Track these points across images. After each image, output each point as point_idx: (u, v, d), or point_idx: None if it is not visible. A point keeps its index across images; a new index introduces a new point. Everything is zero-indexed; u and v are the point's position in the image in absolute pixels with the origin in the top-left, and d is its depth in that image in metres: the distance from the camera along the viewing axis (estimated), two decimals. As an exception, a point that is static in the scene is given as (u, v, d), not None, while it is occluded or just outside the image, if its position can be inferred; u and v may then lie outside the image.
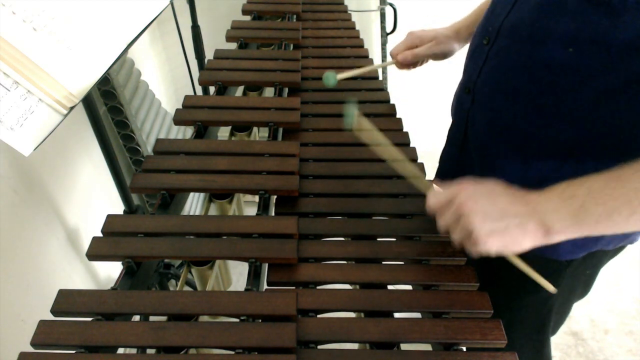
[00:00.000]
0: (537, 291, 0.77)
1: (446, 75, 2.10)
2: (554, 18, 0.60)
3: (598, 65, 0.57)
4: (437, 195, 0.61)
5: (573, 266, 0.74)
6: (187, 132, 1.86)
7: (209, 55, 1.16)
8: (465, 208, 0.56)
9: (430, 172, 0.79)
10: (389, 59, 1.00)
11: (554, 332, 0.88)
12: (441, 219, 0.60)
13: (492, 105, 0.72)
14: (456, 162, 0.85)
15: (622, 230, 0.53)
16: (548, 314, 0.83)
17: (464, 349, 0.57)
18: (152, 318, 0.62)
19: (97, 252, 0.64)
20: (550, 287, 0.60)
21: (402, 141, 0.89)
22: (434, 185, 0.67)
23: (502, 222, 0.55)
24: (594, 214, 0.52)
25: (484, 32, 0.72)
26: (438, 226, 0.61)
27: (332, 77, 0.91)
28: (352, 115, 0.82)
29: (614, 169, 0.53)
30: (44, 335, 0.54)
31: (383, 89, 1.04)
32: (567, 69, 0.60)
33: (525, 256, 0.71)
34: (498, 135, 0.72)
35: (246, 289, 0.62)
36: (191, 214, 1.76)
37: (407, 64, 0.96)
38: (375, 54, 2.14)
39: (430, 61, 0.99)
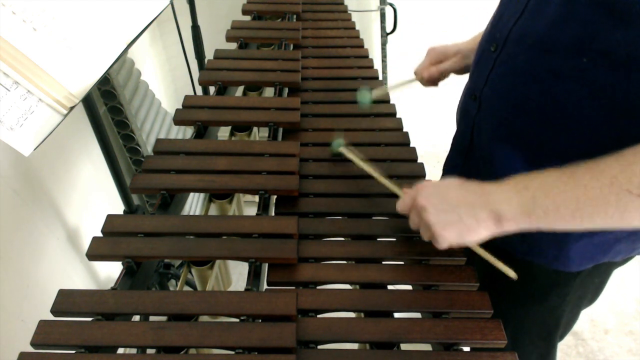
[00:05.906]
0: (545, 300, 0.78)
1: (446, 75, 2.11)
2: (562, 25, 0.56)
3: (610, 78, 0.54)
4: (403, 199, 0.65)
5: (582, 276, 0.74)
6: (187, 132, 1.86)
7: (209, 55, 1.16)
8: (421, 206, 0.60)
9: (430, 173, 0.78)
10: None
11: (561, 338, 0.87)
12: (410, 220, 0.64)
13: (499, 114, 0.69)
14: (460, 171, 0.83)
15: (573, 227, 0.53)
16: (556, 323, 0.82)
17: (464, 349, 0.57)
18: (152, 318, 0.62)
19: (97, 252, 0.64)
20: (511, 274, 0.61)
21: (402, 141, 0.89)
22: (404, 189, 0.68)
23: (454, 213, 0.57)
24: (542, 205, 0.53)
25: (492, 38, 0.70)
26: (410, 226, 0.64)
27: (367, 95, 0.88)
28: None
29: (573, 164, 0.53)
30: (44, 335, 0.54)
31: (383, 89, 1.04)
32: (576, 80, 0.57)
33: (536, 268, 0.73)
34: (505, 144, 0.70)
35: (246, 289, 0.62)
36: (191, 214, 1.76)
37: (433, 80, 0.94)
38: (375, 54, 2.14)
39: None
